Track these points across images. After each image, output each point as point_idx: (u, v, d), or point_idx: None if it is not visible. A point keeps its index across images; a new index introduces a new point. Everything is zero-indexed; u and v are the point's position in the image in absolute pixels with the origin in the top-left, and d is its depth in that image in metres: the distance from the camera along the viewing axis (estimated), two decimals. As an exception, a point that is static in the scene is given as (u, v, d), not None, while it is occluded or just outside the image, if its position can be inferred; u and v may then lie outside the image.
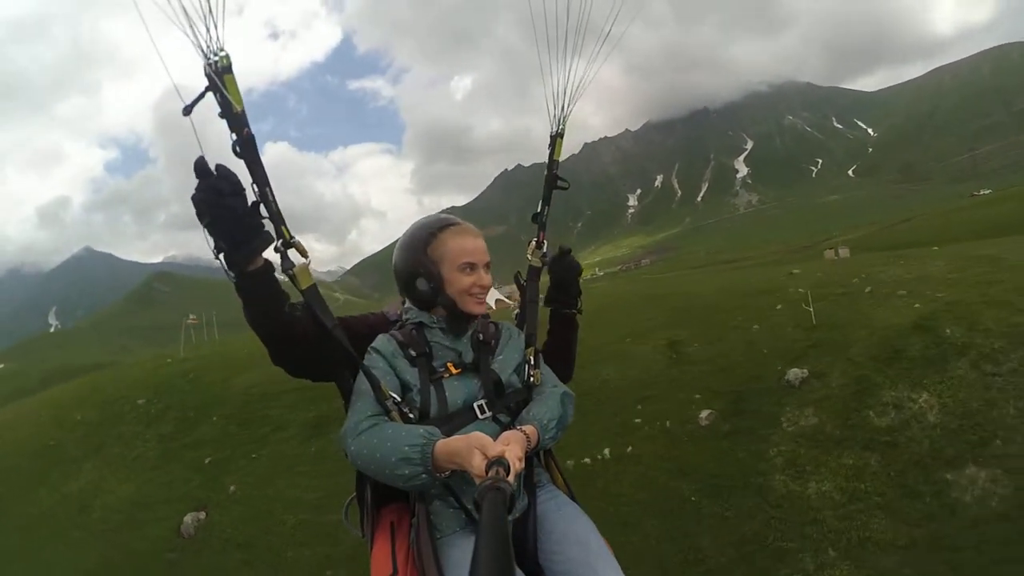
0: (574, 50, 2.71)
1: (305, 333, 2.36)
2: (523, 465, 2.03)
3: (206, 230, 2.16)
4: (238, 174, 2.14)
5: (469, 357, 2.50)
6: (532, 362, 2.62)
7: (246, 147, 2.14)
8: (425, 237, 2.54)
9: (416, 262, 2.52)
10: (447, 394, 2.38)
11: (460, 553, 2.09)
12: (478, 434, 1.98)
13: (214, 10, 2.04)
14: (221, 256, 2.17)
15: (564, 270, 3.03)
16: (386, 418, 2.23)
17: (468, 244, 2.53)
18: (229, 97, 2.10)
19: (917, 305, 10.23)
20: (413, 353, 2.43)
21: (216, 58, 2.09)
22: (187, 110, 2.09)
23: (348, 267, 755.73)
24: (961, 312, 9.52)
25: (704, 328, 12.50)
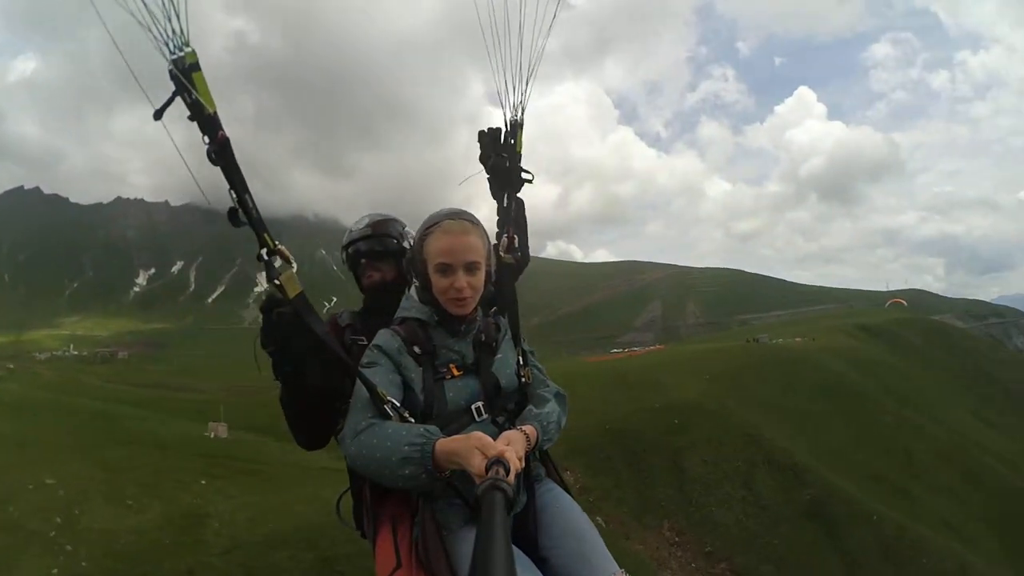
0: (528, 28, 2.68)
1: (314, 402, 2.67)
2: (523, 464, 2.09)
3: (268, 353, 2.47)
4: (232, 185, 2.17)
5: (471, 359, 2.55)
6: (521, 361, 2.65)
7: (222, 152, 2.05)
8: (420, 236, 2.56)
9: (413, 260, 2.61)
10: (448, 395, 2.42)
11: (469, 548, 1.92)
12: (478, 434, 2.01)
13: (176, 1, 1.87)
14: (279, 375, 2.52)
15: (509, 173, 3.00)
16: (384, 419, 2.26)
17: (443, 244, 2.48)
18: (200, 98, 1.94)
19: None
20: (418, 351, 2.48)
21: (181, 54, 1.92)
22: (158, 114, 1.96)
23: None
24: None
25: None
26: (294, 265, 2.30)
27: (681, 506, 17.49)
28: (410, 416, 2.30)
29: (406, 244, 3.15)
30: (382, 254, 3.16)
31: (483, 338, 2.59)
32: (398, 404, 2.29)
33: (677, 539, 16.13)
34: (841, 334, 58.82)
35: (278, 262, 2.32)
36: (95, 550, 8.79)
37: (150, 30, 1.85)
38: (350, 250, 3.21)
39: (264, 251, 2.23)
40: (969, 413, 48.44)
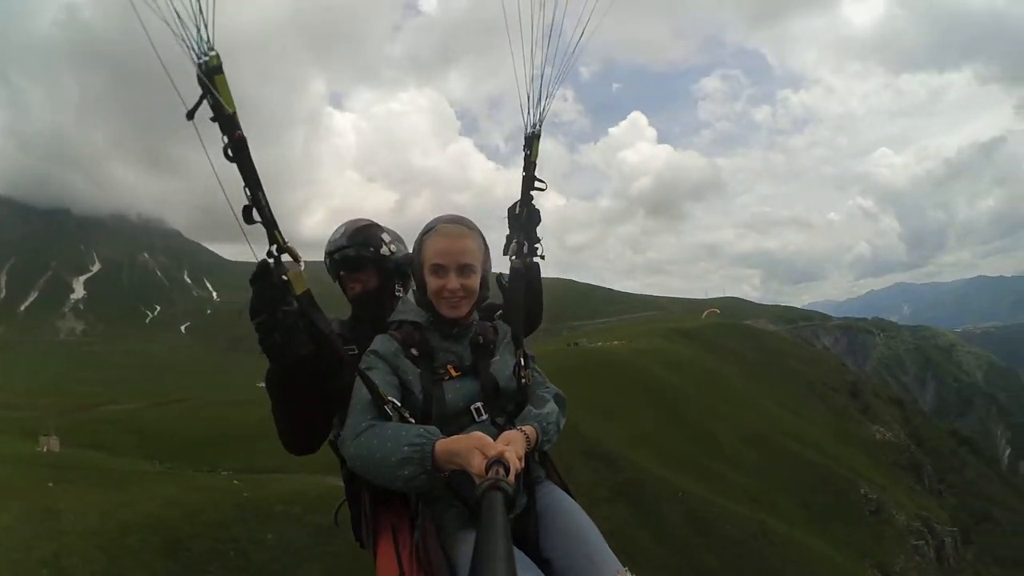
0: (548, 44, 2.68)
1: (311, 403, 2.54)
2: (523, 465, 2.08)
3: (256, 325, 2.30)
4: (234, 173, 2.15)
5: (468, 360, 2.56)
6: (523, 363, 2.63)
7: (238, 150, 2.13)
8: (418, 241, 2.65)
9: (411, 263, 2.69)
10: (447, 396, 2.43)
11: (470, 550, 1.78)
12: (478, 434, 2.03)
13: (204, 10, 1.97)
14: (266, 351, 2.33)
15: (529, 220, 3.01)
16: (383, 421, 2.27)
17: (438, 246, 2.56)
18: (220, 99, 2.06)
19: None
20: (415, 353, 2.50)
21: (206, 59, 2.04)
22: (190, 115, 2.05)
23: None
24: None
25: None
26: (302, 264, 2.38)
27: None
28: (410, 416, 2.33)
29: (384, 251, 3.12)
30: (360, 264, 3.11)
31: (480, 341, 2.61)
32: (398, 404, 2.33)
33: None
34: (658, 337, 63.49)
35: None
36: (-31, 546, 9.37)
37: (180, 35, 1.99)
38: (328, 263, 3.18)
39: (274, 247, 2.28)
40: (774, 403, 53.54)
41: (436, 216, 2.68)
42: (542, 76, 2.71)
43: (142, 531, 10.19)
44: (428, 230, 2.60)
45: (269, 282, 2.25)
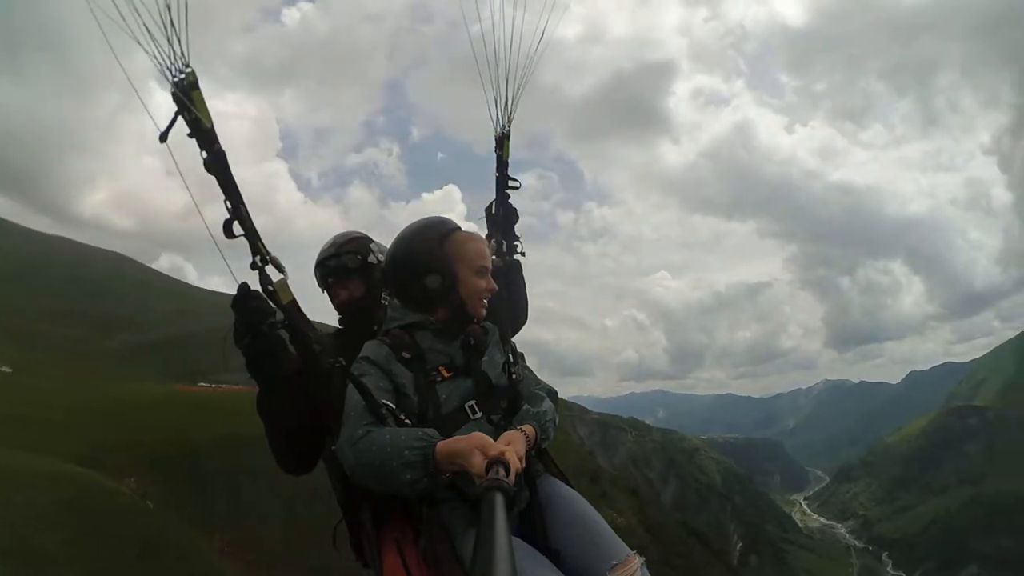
0: (515, 48, 2.72)
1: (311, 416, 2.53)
2: (524, 464, 2.06)
3: (242, 349, 2.37)
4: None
5: (460, 360, 2.50)
6: (512, 359, 2.61)
7: (217, 163, 2.14)
8: (437, 235, 2.55)
9: (429, 258, 2.50)
10: (441, 397, 2.38)
11: None
12: (478, 434, 2.00)
13: (177, 25, 1.96)
14: (254, 372, 2.41)
15: (506, 219, 3.11)
16: (380, 426, 2.20)
17: (482, 248, 2.58)
18: (198, 115, 2.07)
19: None
20: (407, 356, 2.42)
21: (182, 76, 2.06)
22: (163, 137, 2.09)
23: None
24: None
25: None
26: (286, 274, 2.32)
27: (235, 521, 19.83)
28: (406, 419, 2.27)
29: (371, 259, 3.04)
30: (345, 272, 3.05)
31: (471, 342, 2.55)
32: (392, 406, 2.27)
33: (227, 549, 18.33)
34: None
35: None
36: None
37: (159, 52, 1.99)
38: (318, 272, 3.13)
39: (258, 258, 2.25)
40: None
41: (429, 218, 2.72)
42: (506, 81, 2.88)
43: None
44: (455, 229, 2.61)
45: (250, 303, 2.34)
